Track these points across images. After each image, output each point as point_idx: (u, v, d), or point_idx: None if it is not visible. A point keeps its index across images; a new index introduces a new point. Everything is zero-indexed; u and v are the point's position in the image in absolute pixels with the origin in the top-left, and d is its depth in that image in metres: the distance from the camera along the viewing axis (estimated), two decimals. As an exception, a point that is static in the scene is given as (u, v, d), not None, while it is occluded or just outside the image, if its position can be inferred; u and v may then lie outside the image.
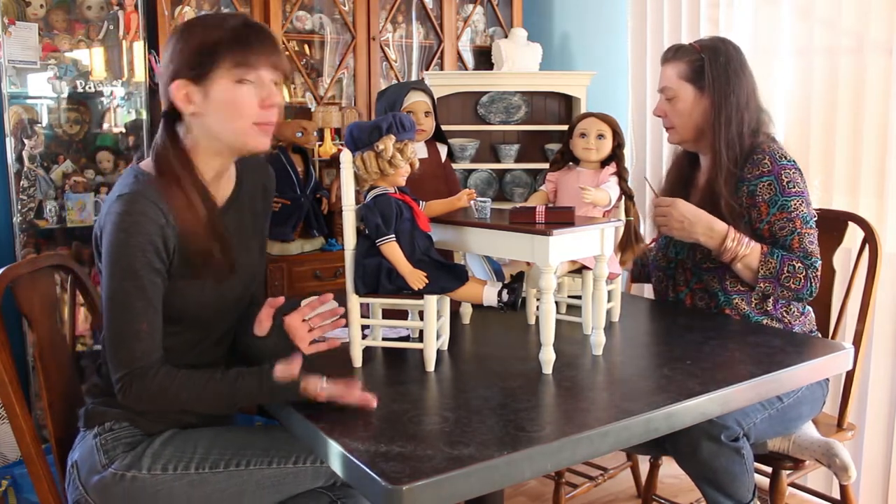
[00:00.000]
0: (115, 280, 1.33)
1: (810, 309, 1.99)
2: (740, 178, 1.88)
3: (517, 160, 3.41)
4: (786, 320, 1.91)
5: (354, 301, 1.50)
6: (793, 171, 1.85)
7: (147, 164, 1.44)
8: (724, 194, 1.87)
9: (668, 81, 1.97)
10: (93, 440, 1.42)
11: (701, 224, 1.83)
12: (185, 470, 1.38)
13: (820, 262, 1.83)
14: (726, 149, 1.89)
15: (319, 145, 3.23)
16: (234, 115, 1.38)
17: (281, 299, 1.46)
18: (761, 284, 1.82)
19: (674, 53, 1.98)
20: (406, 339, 1.64)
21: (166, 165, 1.40)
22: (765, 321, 1.90)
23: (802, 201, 1.85)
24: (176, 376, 1.34)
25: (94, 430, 1.44)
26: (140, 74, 3.01)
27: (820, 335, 2.03)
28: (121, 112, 3.05)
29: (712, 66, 1.91)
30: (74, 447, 1.47)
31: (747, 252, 1.82)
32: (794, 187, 1.84)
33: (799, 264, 1.80)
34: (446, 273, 1.48)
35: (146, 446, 1.41)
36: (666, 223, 1.86)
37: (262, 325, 1.45)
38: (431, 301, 1.46)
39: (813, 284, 1.81)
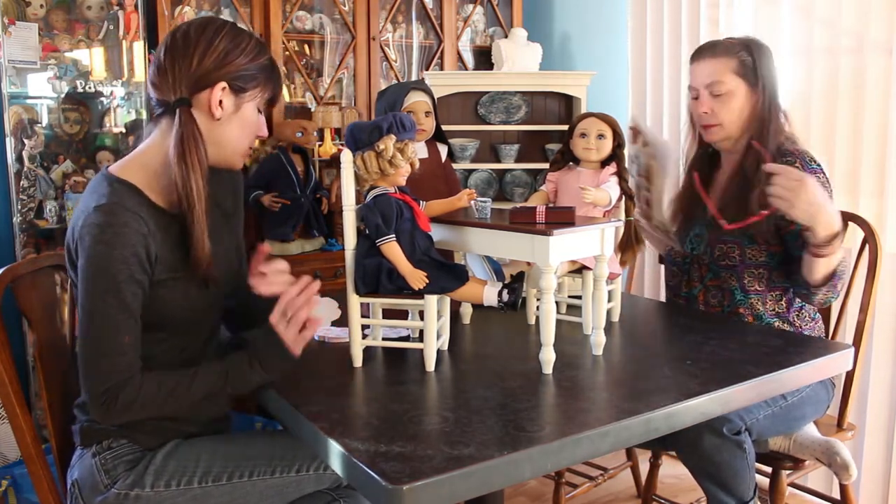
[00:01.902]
0: (97, 293, 1.28)
1: (819, 316, 1.99)
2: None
3: (517, 160, 3.41)
4: (797, 324, 1.91)
5: (354, 301, 1.49)
6: (821, 175, 1.82)
7: (119, 168, 1.39)
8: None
9: (718, 76, 1.89)
10: (92, 459, 1.39)
11: (824, 213, 1.65)
12: (189, 485, 1.37)
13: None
14: (774, 145, 1.87)
15: (319, 145, 3.23)
16: (246, 137, 1.45)
17: (267, 247, 1.49)
18: (822, 286, 1.75)
19: (715, 49, 1.92)
20: (406, 338, 1.64)
21: (194, 151, 1.34)
22: (776, 323, 1.89)
23: None
24: (162, 378, 1.32)
25: (93, 448, 1.40)
26: (140, 74, 3.01)
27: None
28: (121, 112, 3.04)
29: (762, 64, 1.89)
30: (73, 465, 1.44)
31: (837, 254, 1.72)
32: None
33: None
34: (446, 273, 1.48)
35: (147, 462, 1.38)
36: (790, 199, 1.63)
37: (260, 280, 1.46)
38: (431, 301, 1.46)
39: (841, 289, 1.81)
